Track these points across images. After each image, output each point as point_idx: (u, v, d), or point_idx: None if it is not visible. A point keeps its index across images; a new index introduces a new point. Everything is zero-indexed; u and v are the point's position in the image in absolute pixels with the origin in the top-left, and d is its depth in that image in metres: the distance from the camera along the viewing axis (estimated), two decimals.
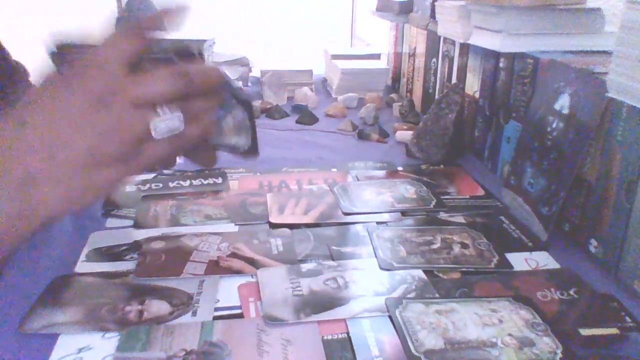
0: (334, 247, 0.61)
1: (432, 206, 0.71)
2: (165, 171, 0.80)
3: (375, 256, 0.59)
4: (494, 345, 0.45)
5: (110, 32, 0.43)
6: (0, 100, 0.45)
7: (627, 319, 0.49)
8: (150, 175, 0.80)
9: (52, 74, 0.43)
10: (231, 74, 1.24)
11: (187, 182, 0.78)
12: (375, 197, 0.74)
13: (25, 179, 0.39)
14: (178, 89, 0.41)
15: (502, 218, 0.69)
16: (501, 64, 0.81)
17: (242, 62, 1.39)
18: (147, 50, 0.43)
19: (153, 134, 0.41)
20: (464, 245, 0.61)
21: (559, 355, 0.44)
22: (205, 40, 1.09)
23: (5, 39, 0.67)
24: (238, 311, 0.50)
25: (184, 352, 0.44)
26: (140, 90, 0.40)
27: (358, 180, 0.81)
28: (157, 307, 0.49)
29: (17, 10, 3.30)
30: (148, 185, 0.77)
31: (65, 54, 0.47)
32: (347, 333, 0.47)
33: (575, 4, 0.80)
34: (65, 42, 0.47)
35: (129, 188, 0.76)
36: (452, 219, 0.68)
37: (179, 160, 0.52)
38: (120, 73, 0.40)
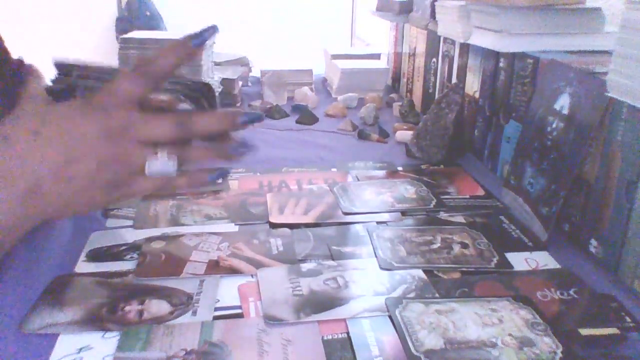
0: (334, 247, 0.61)
1: (432, 206, 0.71)
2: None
3: (375, 256, 0.59)
4: (494, 345, 0.45)
5: (124, 66, 0.46)
6: (6, 100, 0.46)
7: (627, 319, 0.49)
8: None
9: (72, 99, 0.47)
10: (231, 74, 1.23)
11: None
12: (375, 197, 0.74)
13: (33, 187, 0.42)
14: (178, 135, 0.45)
15: (502, 218, 0.69)
16: (501, 64, 0.81)
17: (242, 62, 1.39)
18: (158, 88, 0.47)
19: (146, 171, 0.45)
20: (464, 245, 0.61)
21: (559, 355, 0.44)
22: None
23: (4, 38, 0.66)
24: (238, 311, 0.50)
25: (184, 352, 0.44)
26: (147, 131, 0.44)
27: (358, 180, 0.81)
28: (157, 307, 0.49)
29: (16, 9, 3.30)
30: None
31: (66, 73, 0.50)
32: (347, 333, 0.47)
33: (575, 4, 0.79)
34: (66, 62, 0.51)
35: None
36: (452, 219, 0.68)
37: None
38: (132, 111, 0.44)
